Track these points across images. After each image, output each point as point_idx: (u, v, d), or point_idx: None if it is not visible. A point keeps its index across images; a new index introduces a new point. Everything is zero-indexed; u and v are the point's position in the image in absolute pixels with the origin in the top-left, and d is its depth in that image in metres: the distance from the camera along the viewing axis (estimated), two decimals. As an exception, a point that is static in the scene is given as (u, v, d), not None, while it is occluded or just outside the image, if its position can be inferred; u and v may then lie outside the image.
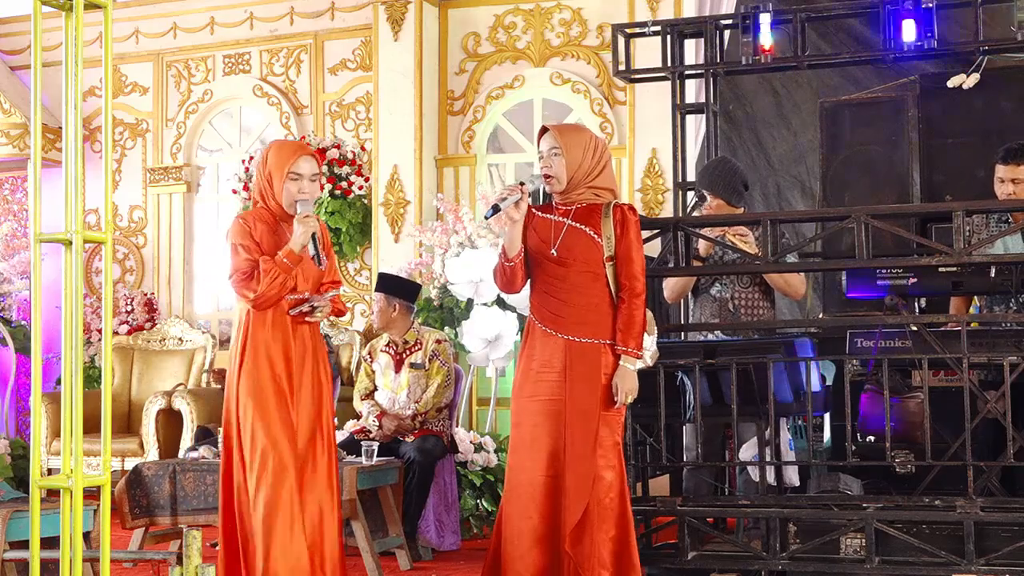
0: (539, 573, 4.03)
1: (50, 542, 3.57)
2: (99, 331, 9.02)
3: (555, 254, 4.08)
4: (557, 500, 4.03)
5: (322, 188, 8.68)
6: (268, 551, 4.01)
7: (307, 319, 4.27)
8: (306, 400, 4.22)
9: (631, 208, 4.18)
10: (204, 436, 6.55)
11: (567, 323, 4.06)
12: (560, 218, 4.13)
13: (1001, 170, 5.13)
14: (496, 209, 4.01)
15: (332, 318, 8.75)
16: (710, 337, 5.23)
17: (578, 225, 4.10)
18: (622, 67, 7.07)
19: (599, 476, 4.00)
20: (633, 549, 4.07)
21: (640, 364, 4.13)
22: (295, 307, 4.24)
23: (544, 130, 4.18)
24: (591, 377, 4.04)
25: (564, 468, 4.02)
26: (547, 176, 4.12)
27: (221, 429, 4.34)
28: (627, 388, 4.05)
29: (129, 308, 9.12)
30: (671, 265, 4.84)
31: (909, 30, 6.09)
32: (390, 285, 6.30)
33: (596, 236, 4.08)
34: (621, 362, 4.06)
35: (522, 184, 4.08)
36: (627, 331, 4.07)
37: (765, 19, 6.36)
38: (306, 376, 4.23)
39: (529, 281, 4.19)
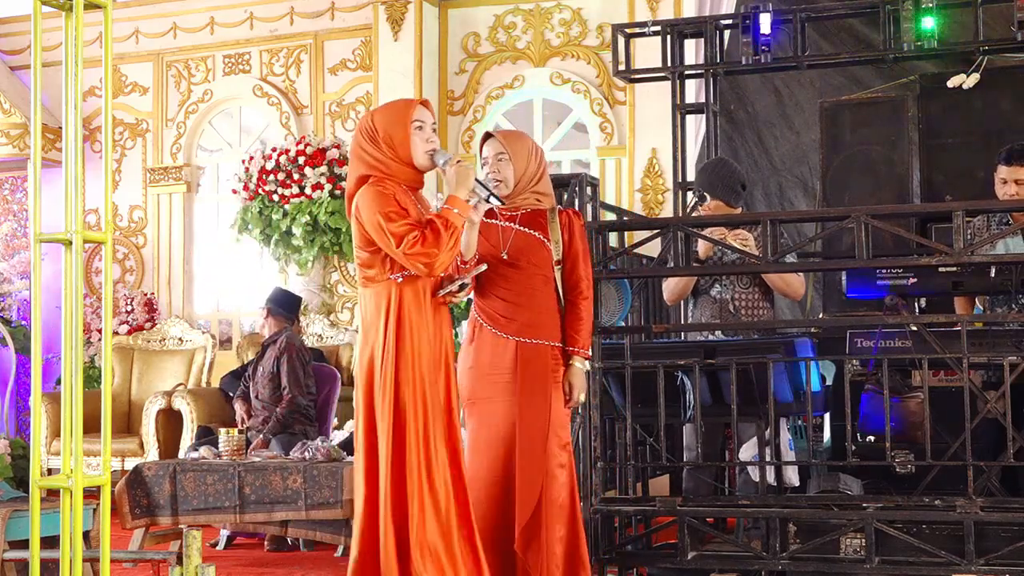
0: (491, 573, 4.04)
1: (50, 542, 3.57)
2: (99, 331, 9.02)
3: (506, 256, 4.14)
4: (510, 503, 4.06)
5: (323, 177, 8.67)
6: (423, 521, 3.70)
7: (453, 300, 3.90)
8: (452, 391, 3.87)
9: (576, 212, 4.30)
10: (205, 435, 6.55)
11: (518, 325, 4.12)
12: (507, 223, 4.19)
13: (1004, 171, 5.12)
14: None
15: (328, 317, 8.77)
16: (711, 337, 5.24)
17: (526, 229, 4.18)
18: (622, 67, 7.07)
19: (552, 475, 4.05)
20: (583, 547, 4.11)
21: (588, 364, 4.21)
22: (444, 285, 3.84)
23: (488, 136, 4.23)
24: (542, 378, 4.10)
25: (515, 469, 4.05)
26: (497, 181, 4.16)
27: (362, 416, 3.78)
28: (579, 387, 4.13)
29: (129, 308, 9.12)
30: (671, 265, 4.84)
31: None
32: (389, 285, 6.29)
33: (545, 240, 4.16)
34: (572, 362, 4.13)
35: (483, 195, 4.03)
36: (577, 332, 4.16)
37: (765, 19, 6.36)
38: (447, 369, 3.87)
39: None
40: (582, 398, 4.18)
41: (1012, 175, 5.09)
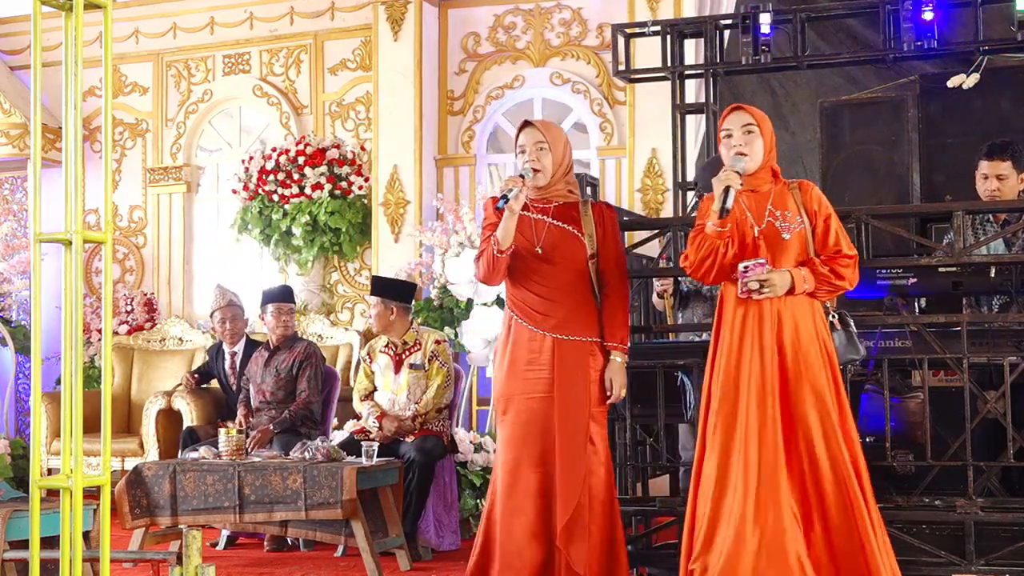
0: (535, 570, 4.03)
1: (50, 542, 3.57)
2: (99, 331, 9.02)
3: (541, 251, 4.10)
4: (550, 497, 4.04)
5: (325, 191, 8.67)
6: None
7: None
8: None
9: (608, 206, 4.29)
10: (192, 440, 6.55)
11: (554, 321, 4.08)
12: (540, 216, 4.15)
13: (985, 166, 5.15)
14: (506, 199, 4.01)
15: (328, 317, 8.77)
16: (707, 337, 5.22)
17: (560, 223, 4.13)
18: (622, 67, 7.07)
19: (591, 472, 4.02)
20: (622, 543, 4.09)
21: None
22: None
23: (526, 124, 4.20)
24: (580, 374, 4.06)
25: (555, 466, 4.03)
26: (535, 170, 4.13)
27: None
28: (620, 383, 4.07)
29: (129, 308, 9.12)
30: (670, 265, 4.84)
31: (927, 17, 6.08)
32: (385, 288, 6.27)
33: (579, 234, 4.12)
34: (612, 357, 4.08)
35: (522, 177, 4.09)
36: (615, 327, 4.10)
37: (765, 19, 6.36)
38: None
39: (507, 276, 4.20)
40: (623, 393, 4.14)
41: (993, 170, 5.12)
